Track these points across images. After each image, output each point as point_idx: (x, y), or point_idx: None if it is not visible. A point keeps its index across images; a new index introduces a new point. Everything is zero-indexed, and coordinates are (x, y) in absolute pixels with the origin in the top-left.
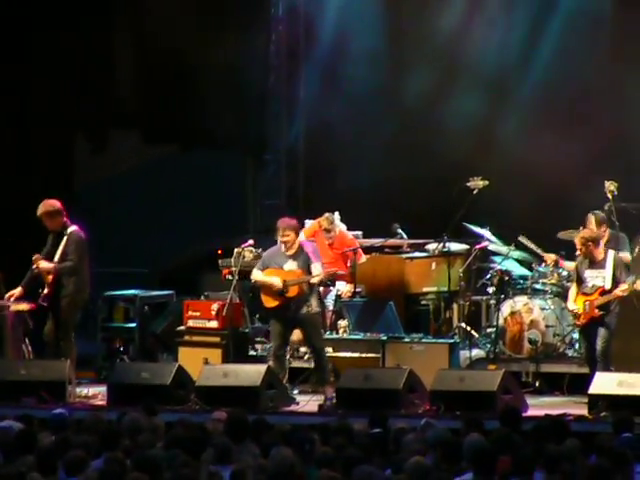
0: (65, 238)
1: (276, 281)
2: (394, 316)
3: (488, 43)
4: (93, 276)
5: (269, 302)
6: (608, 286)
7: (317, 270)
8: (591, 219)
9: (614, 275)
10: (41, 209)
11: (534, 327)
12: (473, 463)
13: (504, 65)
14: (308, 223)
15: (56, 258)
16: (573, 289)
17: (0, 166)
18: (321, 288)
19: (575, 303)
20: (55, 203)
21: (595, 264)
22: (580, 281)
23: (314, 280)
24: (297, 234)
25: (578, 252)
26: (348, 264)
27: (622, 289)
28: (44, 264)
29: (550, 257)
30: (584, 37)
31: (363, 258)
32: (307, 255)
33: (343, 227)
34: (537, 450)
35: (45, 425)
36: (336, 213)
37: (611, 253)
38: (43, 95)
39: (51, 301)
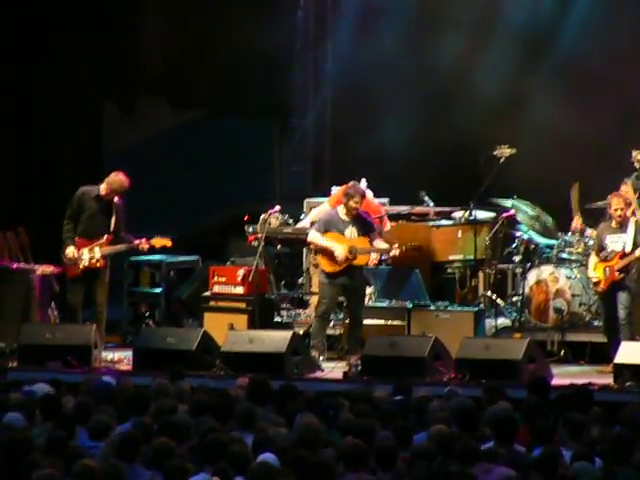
0: (115, 208)
1: (339, 249)
2: (420, 284)
3: (520, 8)
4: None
5: (328, 266)
6: (628, 249)
7: (383, 244)
8: (628, 184)
9: (635, 238)
10: (126, 185)
11: (560, 296)
12: (494, 431)
13: (535, 31)
14: (334, 190)
15: (112, 227)
16: (592, 257)
17: (29, 133)
18: None
19: (595, 271)
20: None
21: (616, 229)
22: (601, 248)
23: (393, 253)
24: (363, 201)
25: (613, 215)
26: None
27: None
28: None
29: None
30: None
31: (388, 226)
32: (366, 222)
33: (370, 194)
34: (559, 419)
35: (72, 389)
36: (363, 180)
37: (632, 218)
38: (72, 61)
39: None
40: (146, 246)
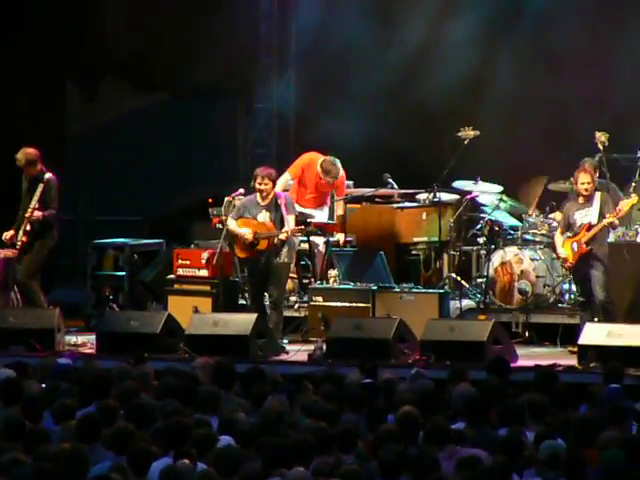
0: (41, 185)
1: (247, 233)
2: (384, 266)
3: None
4: (84, 224)
5: (240, 252)
6: (594, 221)
7: (288, 225)
8: (586, 164)
9: (601, 211)
10: (22, 158)
11: (524, 277)
12: (466, 413)
13: (497, 13)
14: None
15: (33, 204)
16: (558, 236)
17: None
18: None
19: (563, 248)
20: (34, 151)
21: (584, 204)
22: (568, 225)
23: (281, 236)
24: (275, 184)
25: (580, 190)
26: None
27: (609, 217)
28: (37, 213)
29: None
30: None
31: (340, 210)
32: (281, 207)
33: (342, 172)
34: (526, 401)
35: (35, 373)
36: (338, 160)
37: (597, 193)
38: (32, 44)
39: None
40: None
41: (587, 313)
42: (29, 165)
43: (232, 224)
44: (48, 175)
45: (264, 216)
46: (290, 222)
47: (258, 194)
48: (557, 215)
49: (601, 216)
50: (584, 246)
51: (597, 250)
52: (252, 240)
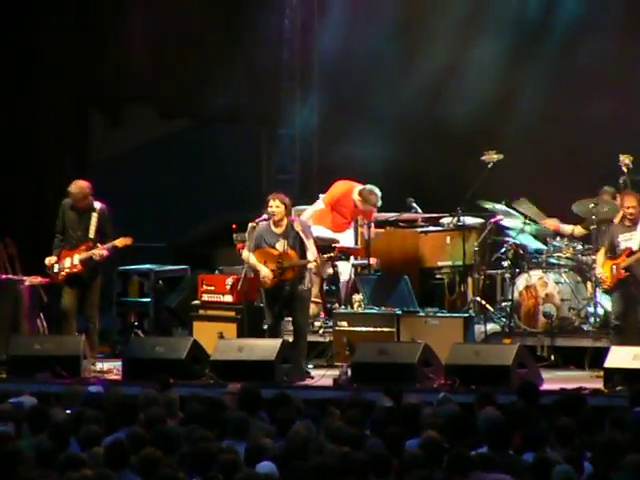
0: (96, 215)
1: (265, 272)
2: (409, 290)
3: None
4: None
5: (264, 284)
6: (635, 247)
7: (312, 255)
8: (607, 192)
9: None
10: (77, 190)
11: (549, 301)
12: (488, 438)
13: (521, 35)
14: (322, 197)
15: (91, 234)
16: (601, 254)
17: (15, 141)
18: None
19: (602, 268)
20: (88, 184)
21: (627, 227)
22: (612, 247)
23: (311, 266)
24: (287, 210)
25: (625, 213)
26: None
27: None
28: (104, 251)
29: (549, 222)
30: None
31: (372, 232)
32: (297, 233)
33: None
34: (550, 424)
35: (59, 400)
36: (376, 189)
37: None
38: (57, 68)
39: (74, 278)
40: (105, 250)
41: (620, 337)
42: (82, 198)
43: (252, 259)
44: (98, 205)
45: (281, 245)
46: (312, 247)
47: (272, 223)
48: (576, 229)
49: None
50: (622, 271)
51: (638, 274)
52: (274, 278)
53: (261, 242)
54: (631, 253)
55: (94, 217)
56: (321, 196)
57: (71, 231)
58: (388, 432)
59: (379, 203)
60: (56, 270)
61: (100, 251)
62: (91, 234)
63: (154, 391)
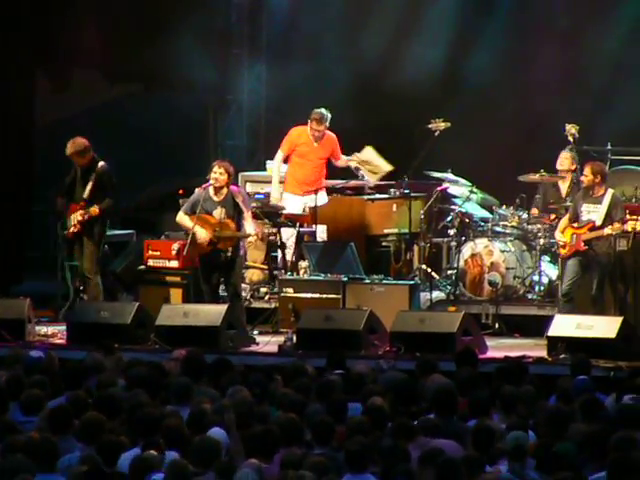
0: (94, 175)
1: (203, 235)
2: (355, 257)
3: None
4: (54, 215)
5: (198, 249)
6: (599, 222)
7: (251, 229)
8: (567, 155)
9: (608, 213)
10: (71, 148)
11: (494, 269)
12: (435, 404)
13: (468, 2)
14: (269, 164)
15: (86, 194)
16: (564, 220)
17: None
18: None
19: (563, 234)
20: (84, 141)
21: (592, 198)
22: (575, 214)
23: (251, 239)
24: (230, 179)
25: (583, 180)
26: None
27: (613, 227)
28: (95, 209)
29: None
30: None
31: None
32: (237, 203)
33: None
34: (494, 392)
35: (1, 363)
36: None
37: (610, 191)
38: (2, 34)
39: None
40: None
41: (570, 304)
42: (78, 155)
43: (185, 220)
44: (101, 164)
45: (219, 212)
46: (249, 219)
47: (211, 189)
48: (534, 211)
49: (607, 217)
50: (582, 244)
51: (597, 249)
52: (212, 240)
53: (198, 207)
54: (593, 228)
55: (92, 176)
56: (266, 167)
57: (76, 188)
58: (332, 399)
59: (326, 116)
60: (67, 225)
61: (83, 214)
62: (85, 194)
63: (100, 356)
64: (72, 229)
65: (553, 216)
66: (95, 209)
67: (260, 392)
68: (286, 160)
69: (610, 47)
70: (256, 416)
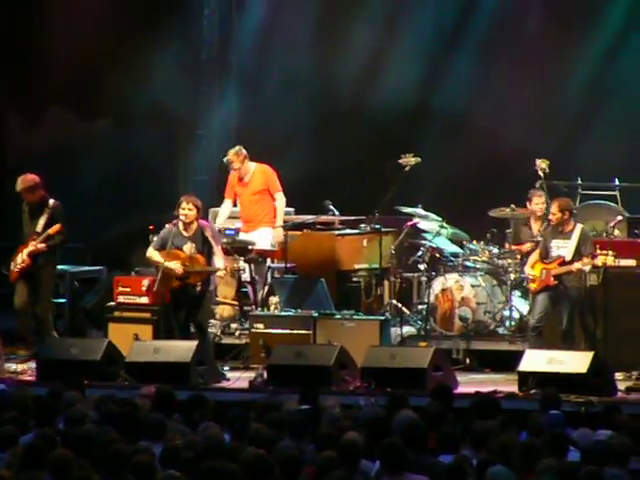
0: (48, 211)
1: (177, 268)
2: (325, 293)
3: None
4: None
5: (167, 284)
6: (569, 257)
7: (220, 263)
8: (542, 200)
9: (577, 248)
10: (21, 185)
11: (465, 304)
12: (404, 439)
13: (437, 36)
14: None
15: (39, 228)
16: (534, 255)
17: None
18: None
19: (533, 269)
20: (34, 177)
21: (562, 234)
22: (545, 250)
23: (220, 274)
24: (199, 212)
25: (551, 218)
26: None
27: (583, 262)
28: (41, 245)
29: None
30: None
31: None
32: (207, 238)
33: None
34: (465, 427)
35: None
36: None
37: (579, 226)
38: None
39: (26, 273)
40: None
41: (540, 339)
42: (28, 192)
43: (156, 255)
44: (52, 201)
45: (189, 248)
46: (219, 253)
47: (181, 224)
48: (507, 246)
49: (577, 252)
50: (551, 279)
51: (567, 284)
52: (182, 274)
53: (168, 243)
54: (563, 263)
55: (46, 213)
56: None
57: (25, 227)
58: (317, 435)
59: (242, 154)
60: (12, 267)
61: (37, 243)
62: (38, 228)
63: (76, 392)
64: (20, 266)
65: (528, 245)
66: (40, 244)
67: (240, 427)
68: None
69: (580, 80)
70: (226, 452)
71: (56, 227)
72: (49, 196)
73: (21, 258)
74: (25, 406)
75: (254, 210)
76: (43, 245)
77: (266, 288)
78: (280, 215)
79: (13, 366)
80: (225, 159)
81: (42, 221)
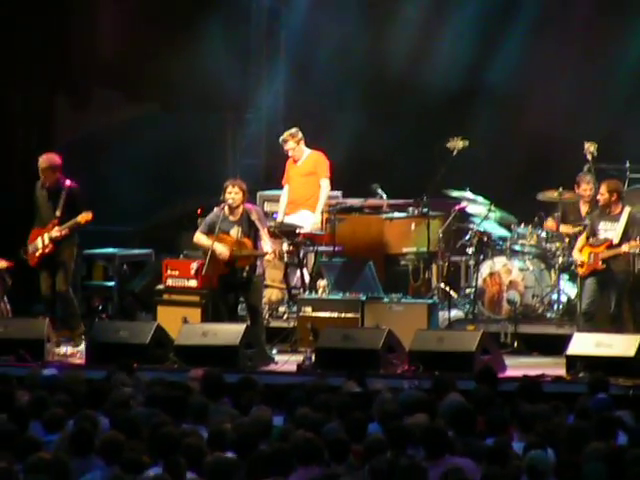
0: (64, 193)
1: (223, 251)
2: (373, 276)
3: None
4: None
5: (216, 268)
6: (616, 240)
7: (267, 247)
8: (590, 187)
9: (625, 230)
10: (47, 162)
11: (513, 288)
12: (452, 423)
13: (488, 15)
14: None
15: (58, 213)
16: (582, 239)
17: None
18: None
19: (580, 253)
20: (58, 157)
21: (610, 216)
22: (592, 232)
23: (268, 257)
24: (244, 197)
25: (599, 199)
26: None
27: (631, 245)
28: (65, 232)
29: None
30: None
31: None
32: (253, 222)
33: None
34: (513, 410)
35: (22, 383)
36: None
37: (627, 209)
38: (24, 51)
39: (47, 258)
40: (66, 229)
41: (590, 323)
42: (50, 171)
43: (203, 239)
44: (68, 183)
45: (236, 232)
46: (266, 237)
47: (227, 208)
48: (549, 222)
49: (625, 235)
50: (600, 263)
51: (615, 267)
52: (230, 259)
53: (214, 227)
54: (611, 246)
55: (63, 195)
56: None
57: (42, 210)
58: (352, 417)
59: (298, 136)
60: (31, 251)
61: (61, 229)
62: (57, 212)
63: (122, 375)
64: (41, 251)
65: (577, 228)
66: (64, 230)
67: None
68: None
69: (631, 63)
70: (276, 434)
71: (87, 216)
72: (64, 179)
73: (42, 243)
74: (75, 389)
75: (300, 192)
76: (67, 231)
77: (312, 272)
78: (321, 202)
79: (63, 349)
80: (281, 138)
81: (60, 205)
